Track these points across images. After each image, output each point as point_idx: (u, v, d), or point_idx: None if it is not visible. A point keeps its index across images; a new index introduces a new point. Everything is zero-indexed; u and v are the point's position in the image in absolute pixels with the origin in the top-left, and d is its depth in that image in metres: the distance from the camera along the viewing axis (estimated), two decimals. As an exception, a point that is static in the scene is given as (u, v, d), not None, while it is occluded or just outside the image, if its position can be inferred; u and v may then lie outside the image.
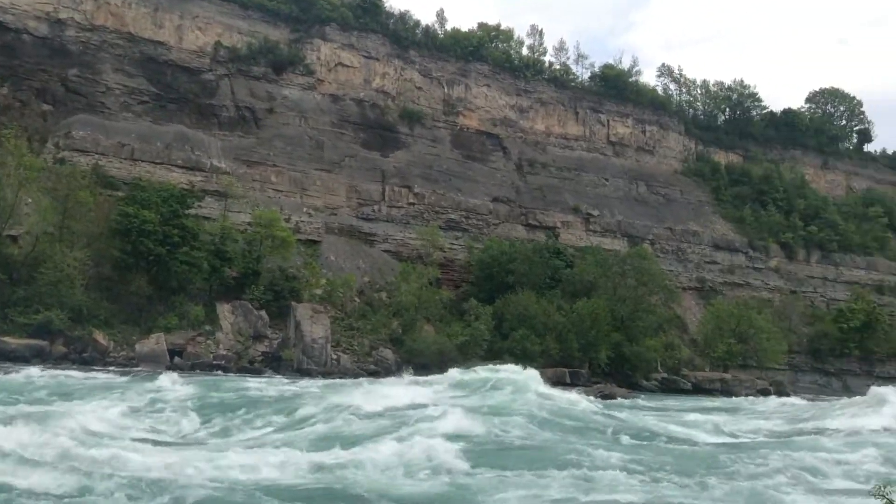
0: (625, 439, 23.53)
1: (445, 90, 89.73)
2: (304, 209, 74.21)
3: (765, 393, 67.90)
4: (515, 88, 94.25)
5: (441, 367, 51.45)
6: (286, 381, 41.96)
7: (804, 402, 45.86)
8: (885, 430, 28.59)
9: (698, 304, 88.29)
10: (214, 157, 70.93)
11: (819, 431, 29.35)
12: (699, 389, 67.72)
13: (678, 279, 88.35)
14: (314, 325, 56.40)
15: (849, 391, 75.23)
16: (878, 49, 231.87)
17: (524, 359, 59.14)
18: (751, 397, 61.25)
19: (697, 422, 31.16)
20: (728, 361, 75.23)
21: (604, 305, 68.73)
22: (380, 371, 55.84)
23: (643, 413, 33.41)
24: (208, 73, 76.60)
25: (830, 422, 31.86)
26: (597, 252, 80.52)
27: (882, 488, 6.95)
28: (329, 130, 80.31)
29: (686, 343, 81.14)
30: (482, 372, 38.33)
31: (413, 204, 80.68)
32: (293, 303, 58.83)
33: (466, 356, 60.09)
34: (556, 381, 50.75)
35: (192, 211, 60.46)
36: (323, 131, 79.77)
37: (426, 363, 56.98)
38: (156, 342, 51.18)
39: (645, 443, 23.49)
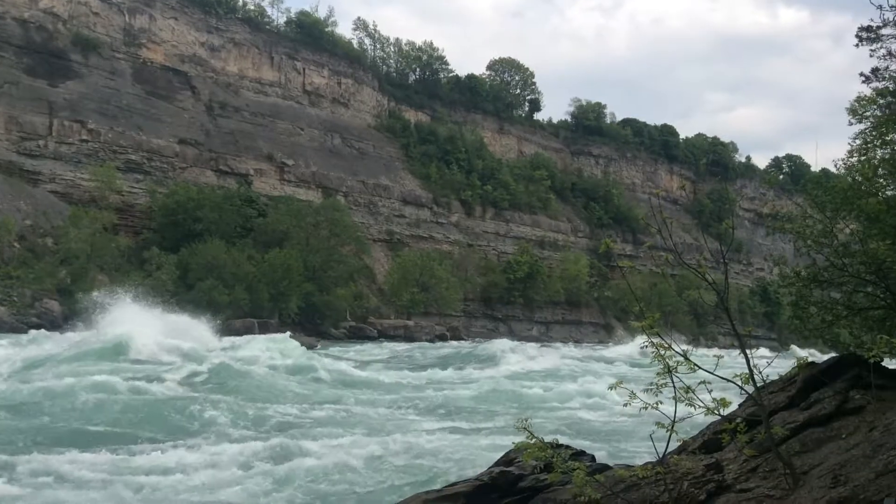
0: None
1: (126, 19, 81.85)
2: (-51, 140, 63.60)
3: (442, 338, 72.99)
4: (206, 25, 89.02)
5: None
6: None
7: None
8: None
9: (387, 255, 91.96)
10: None
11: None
12: (384, 336, 70.79)
13: (369, 231, 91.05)
14: (-39, 275, 48.89)
15: (513, 334, 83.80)
16: (546, 24, 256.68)
17: (210, 310, 57.29)
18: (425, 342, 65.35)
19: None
20: (411, 309, 79.71)
21: (296, 256, 68.73)
22: (43, 324, 50.10)
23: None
24: None
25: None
26: (290, 202, 79.99)
27: (524, 421, 7.50)
28: (-18, 50, 69.26)
29: (374, 292, 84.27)
30: None
31: (87, 141, 72.91)
32: (-67, 248, 50.49)
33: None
34: (244, 332, 49.73)
35: None
36: (-26, 51, 68.59)
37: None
38: None
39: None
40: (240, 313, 60.95)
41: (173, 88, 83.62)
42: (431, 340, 69.21)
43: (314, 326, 67.42)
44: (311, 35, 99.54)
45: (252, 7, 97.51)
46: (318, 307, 69.62)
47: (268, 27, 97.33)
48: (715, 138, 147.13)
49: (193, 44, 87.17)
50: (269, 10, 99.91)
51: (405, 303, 79.28)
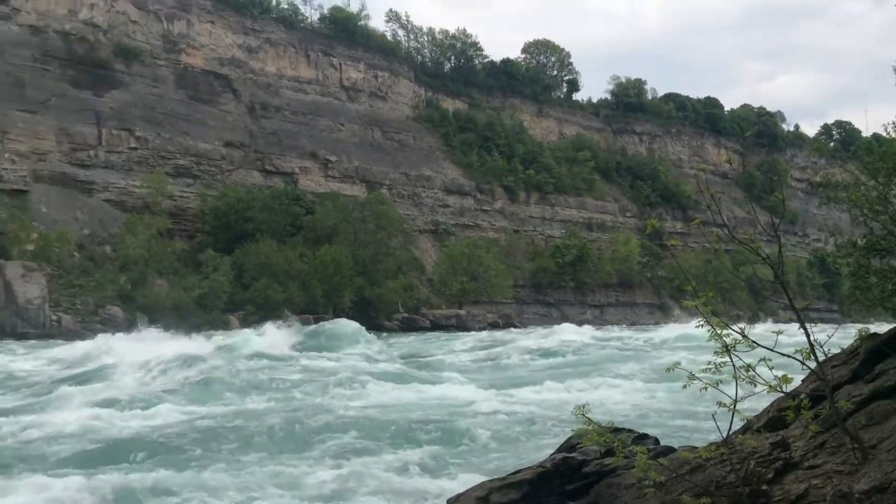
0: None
1: (165, 25, 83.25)
2: (7, 155, 65.65)
3: (495, 326, 72.98)
4: (242, 27, 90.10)
5: (179, 323, 48.91)
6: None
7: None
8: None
9: (434, 245, 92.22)
10: None
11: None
12: (437, 326, 71.04)
13: (414, 222, 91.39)
14: (28, 285, 51.09)
15: (567, 319, 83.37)
16: (576, 3, 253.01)
17: (267, 308, 58.32)
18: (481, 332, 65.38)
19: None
20: (462, 298, 79.87)
21: (345, 251, 69.51)
22: (108, 330, 51.58)
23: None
24: None
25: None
26: (336, 198, 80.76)
27: (581, 408, 7.50)
28: (30, 66, 71.12)
29: (424, 283, 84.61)
30: None
31: (135, 149, 74.57)
32: (1, 261, 52.59)
33: (206, 309, 57.77)
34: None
35: None
36: (23, 67, 70.46)
37: (161, 319, 53.70)
38: None
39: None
40: (295, 310, 61.89)
41: (215, 92, 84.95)
42: (484, 329, 69.27)
43: (368, 319, 67.84)
44: (344, 30, 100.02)
45: (285, 6, 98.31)
46: (370, 300, 70.25)
47: (302, 25, 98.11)
48: (761, 108, 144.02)
49: (231, 46, 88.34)
50: (301, 8, 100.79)
51: (455, 292, 79.46)
